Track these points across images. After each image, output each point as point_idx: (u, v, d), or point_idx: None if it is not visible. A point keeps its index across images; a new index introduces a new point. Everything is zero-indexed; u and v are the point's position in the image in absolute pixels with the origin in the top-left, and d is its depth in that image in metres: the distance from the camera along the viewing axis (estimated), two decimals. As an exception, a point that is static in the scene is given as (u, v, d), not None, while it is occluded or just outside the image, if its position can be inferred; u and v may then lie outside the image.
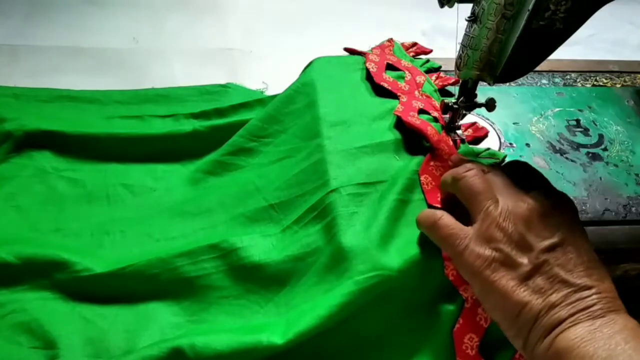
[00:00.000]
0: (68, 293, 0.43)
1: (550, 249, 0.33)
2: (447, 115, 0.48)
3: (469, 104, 0.45)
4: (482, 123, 0.52)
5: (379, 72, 0.52)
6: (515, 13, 0.35)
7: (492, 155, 0.48)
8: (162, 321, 0.41)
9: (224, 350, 0.36)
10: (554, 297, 0.31)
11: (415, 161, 0.44)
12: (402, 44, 0.59)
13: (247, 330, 0.38)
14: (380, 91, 0.50)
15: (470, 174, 0.37)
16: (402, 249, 0.39)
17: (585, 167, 0.49)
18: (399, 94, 0.50)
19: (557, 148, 0.51)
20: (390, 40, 0.59)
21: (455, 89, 0.49)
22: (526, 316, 0.31)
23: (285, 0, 0.79)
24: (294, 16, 0.76)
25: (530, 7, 0.34)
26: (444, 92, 0.54)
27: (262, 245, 0.43)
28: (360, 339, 0.39)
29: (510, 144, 0.51)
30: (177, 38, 0.69)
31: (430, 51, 0.59)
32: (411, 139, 0.46)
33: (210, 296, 0.42)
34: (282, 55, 0.64)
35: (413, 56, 0.58)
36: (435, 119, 0.48)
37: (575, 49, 0.73)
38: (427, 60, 0.57)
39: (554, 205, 0.34)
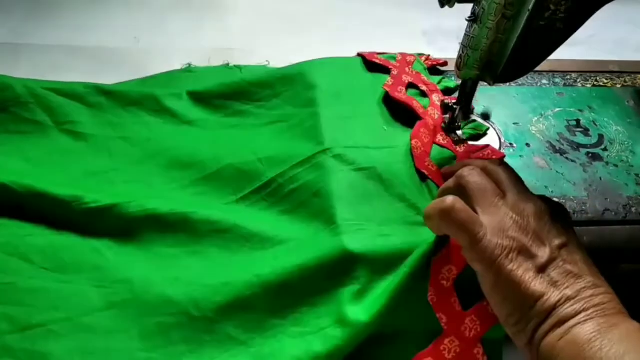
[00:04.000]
0: (79, 225, 0.45)
1: (561, 247, 0.34)
2: (447, 115, 0.48)
3: (466, 109, 0.45)
4: (481, 123, 0.52)
5: (371, 54, 0.56)
6: (515, 13, 0.35)
7: (476, 127, 0.50)
8: (160, 252, 0.44)
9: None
10: (569, 291, 0.32)
11: (402, 130, 0.48)
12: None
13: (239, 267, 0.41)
14: (373, 68, 0.54)
15: (473, 174, 0.37)
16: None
17: (586, 167, 0.50)
18: (390, 67, 0.53)
19: (557, 148, 0.51)
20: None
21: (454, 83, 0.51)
22: (542, 307, 0.32)
23: (285, 0, 0.79)
24: (294, 16, 0.76)
25: (531, 7, 0.34)
26: (434, 70, 0.57)
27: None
28: None
29: (511, 144, 0.51)
30: (178, 37, 0.69)
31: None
32: (399, 111, 0.49)
33: (202, 230, 0.44)
34: (282, 55, 0.64)
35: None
36: (424, 93, 0.52)
37: (575, 49, 0.73)
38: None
39: (558, 210, 0.36)
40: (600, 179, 0.49)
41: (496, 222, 0.34)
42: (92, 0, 0.74)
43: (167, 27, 0.72)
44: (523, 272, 0.32)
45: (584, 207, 0.46)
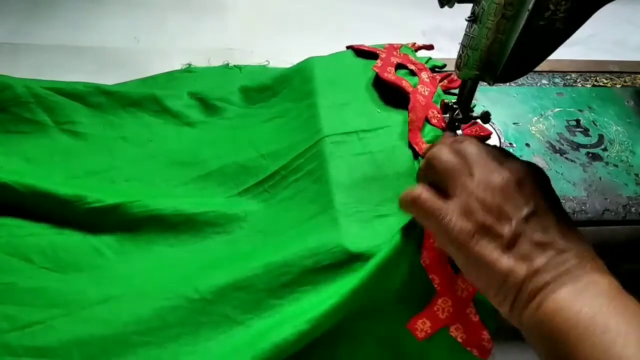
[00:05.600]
0: (81, 224, 0.45)
1: (528, 216, 0.33)
2: (447, 115, 0.48)
3: (465, 109, 0.46)
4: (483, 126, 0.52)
5: (359, 45, 0.57)
6: (515, 13, 0.35)
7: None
8: (162, 251, 0.44)
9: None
10: (538, 262, 0.31)
11: (395, 112, 0.49)
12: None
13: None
14: (363, 56, 0.56)
15: (443, 152, 0.37)
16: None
17: (585, 167, 0.50)
18: (378, 52, 0.55)
19: (557, 148, 0.51)
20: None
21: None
22: (511, 283, 0.32)
23: (285, 0, 0.79)
24: (294, 16, 0.76)
25: (530, 7, 0.34)
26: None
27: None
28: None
29: (510, 143, 0.51)
30: (178, 37, 0.69)
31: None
32: (391, 94, 0.51)
33: (205, 231, 0.45)
34: (282, 55, 0.64)
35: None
36: (412, 72, 0.53)
37: (575, 49, 0.73)
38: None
39: (527, 175, 0.35)
40: (600, 178, 0.49)
41: (461, 203, 0.34)
42: (92, 0, 0.74)
43: (167, 27, 0.72)
44: (490, 252, 0.33)
45: (583, 207, 0.46)
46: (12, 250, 0.43)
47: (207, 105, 0.56)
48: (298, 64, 0.57)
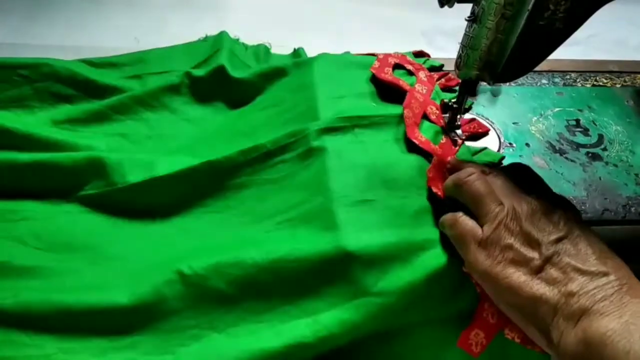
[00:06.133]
0: (76, 205, 0.47)
1: (558, 240, 0.32)
2: (447, 115, 0.49)
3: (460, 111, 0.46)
4: (482, 123, 0.52)
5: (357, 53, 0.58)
6: (514, 13, 0.35)
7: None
8: (155, 231, 0.45)
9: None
10: (570, 287, 0.30)
11: (392, 106, 0.49)
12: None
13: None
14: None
15: (472, 179, 0.37)
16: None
17: (585, 167, 0.50)
18: (375, 54, 0.55)
19: (557, 148, 0.51)
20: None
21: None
22: (544, 309, 0.30)
23: (285, 0, 0.79)
24: (294, 16, 0.76)
25: (530, 7, 0.34)
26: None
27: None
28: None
29: (510, 143, 0.51)
30: (178, 37, 0.69)
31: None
32: (387, 92, 0.51)
33: (196, 210, 0.46)
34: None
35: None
36: (410, 72, 0.53)
37: (575, 49, 0.73)
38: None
39: (556, 204, 0.35)
40: (600, 178, 0.49)
41: (491, 232, 0.34)
42: (92, 0, 0.74)
43: (167, 27, 0.72)
44: (517, 277, 0.32)
45: (583, 207, 0.46)
46: (5, 233, 0.44)
47: (206, 103, 0.56)
48: (296, 57, 0.58)
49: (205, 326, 0.38)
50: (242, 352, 0.35)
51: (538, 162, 0.49)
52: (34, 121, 0.52)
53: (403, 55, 0.56)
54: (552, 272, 0.31)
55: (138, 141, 0.53)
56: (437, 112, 0.50)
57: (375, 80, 0.52)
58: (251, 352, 0.35)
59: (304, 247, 0.38)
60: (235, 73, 0.56)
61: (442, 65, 0.57)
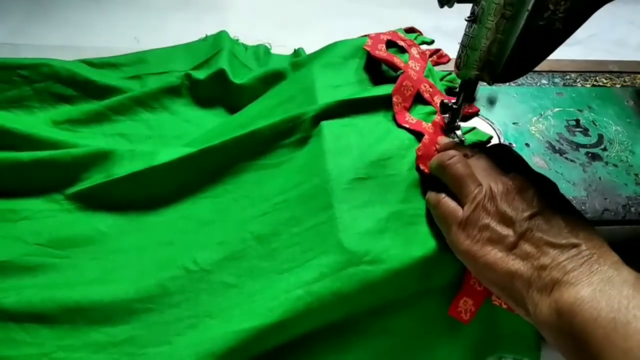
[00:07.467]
0: (74, 201, 0.47)
1: (531, 217, 0.34)
2: (447, 115, 0.48)
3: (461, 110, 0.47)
4: (481, 123, 0.53)
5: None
6: (514, 13, 0.35)
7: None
8: (153, 221, 0.46)
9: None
10: (543, 260, 0.31)
11: (383, 87, 0.49)
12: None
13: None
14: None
15: (454, 161, 0.39)
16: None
17: (585, 167, 0.50)
18: (367, 35, 0.55)
19: (557, 148, 0.51)
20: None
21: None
22: (519, 283, 0.32)
23: (285, 1, 0.79)
24: (294, 16, 0.77)
25: (530, 7, 0.34)
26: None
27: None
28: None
29: (510, 143, 0.51)
30: (179, 38, 0.69)
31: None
32: (380, 75, 0.51)
33: (195, 195, 0.47)
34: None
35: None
36: (402, 49, 0.53)
37: (575, 49, 0.73)
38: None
39: (530, 181, 0.36)
40: (600, 178, 0.49)
41: (469, 213, 0.36)
42: (92, 0, 0.74)
43: (167, 27, 0.72)
44: (494, 254, 0.33)
45: (583, 207, 0.46)
46: (6, 233, 0.44)
47: (205, 106, 0.57)
48: (296, 58, 0.58)
49: (202, 315, 0.39)
50: (235, 334, 0.36)
51: (538, 162, 0.49)
52: (34, 121, 0.52)
53: (395, 32, 0.56)
54: (526, 247, 0.33)
55: (138, 141, 0.53)
56: (431, 90, 0.50)
57: (369, 65, 0.52)
58: (245, 331, 0.36)
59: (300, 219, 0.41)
60: (236, 78, 0.57)
61: (433, 41, 0.57)
